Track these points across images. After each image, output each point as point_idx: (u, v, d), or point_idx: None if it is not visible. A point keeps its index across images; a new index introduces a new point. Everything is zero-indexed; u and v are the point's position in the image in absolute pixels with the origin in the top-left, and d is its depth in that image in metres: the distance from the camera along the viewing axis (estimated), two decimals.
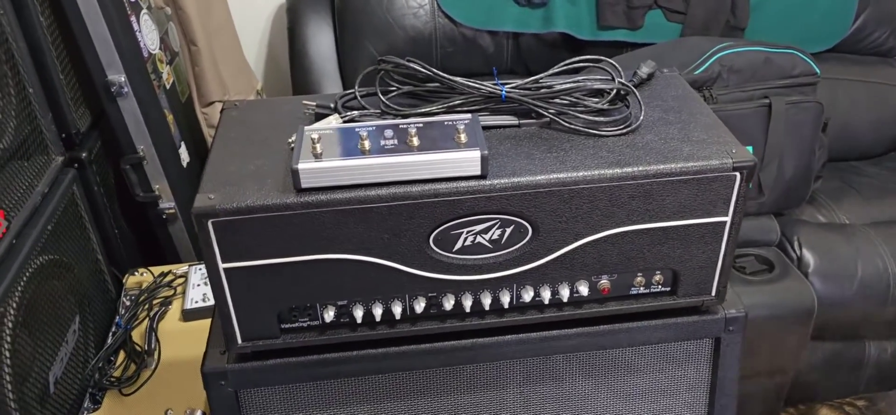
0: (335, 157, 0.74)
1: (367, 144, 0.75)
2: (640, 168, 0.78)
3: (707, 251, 0.84)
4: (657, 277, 0.87)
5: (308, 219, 0.75)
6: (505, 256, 0.81)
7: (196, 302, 1.43)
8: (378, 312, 0.82)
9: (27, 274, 1.15)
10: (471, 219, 0.78)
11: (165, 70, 1.69)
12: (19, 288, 1.13)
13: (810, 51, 1.72)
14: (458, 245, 0.79)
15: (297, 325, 0.83)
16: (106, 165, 1.58)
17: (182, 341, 1.38)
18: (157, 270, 1.53)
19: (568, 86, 0.84)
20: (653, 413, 0.96)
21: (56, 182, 1.31)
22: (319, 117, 0.87)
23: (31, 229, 1.19)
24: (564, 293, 0.84)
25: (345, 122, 0.85)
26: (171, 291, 1.48)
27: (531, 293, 0.84)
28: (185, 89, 1.85)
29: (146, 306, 1.45)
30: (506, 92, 0.84)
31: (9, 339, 1.08)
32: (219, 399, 0.86)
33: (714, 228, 0.83)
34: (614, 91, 0.85)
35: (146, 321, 1.41)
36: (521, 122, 0.86)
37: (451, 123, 0.80)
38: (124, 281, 1.52)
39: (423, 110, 0.84)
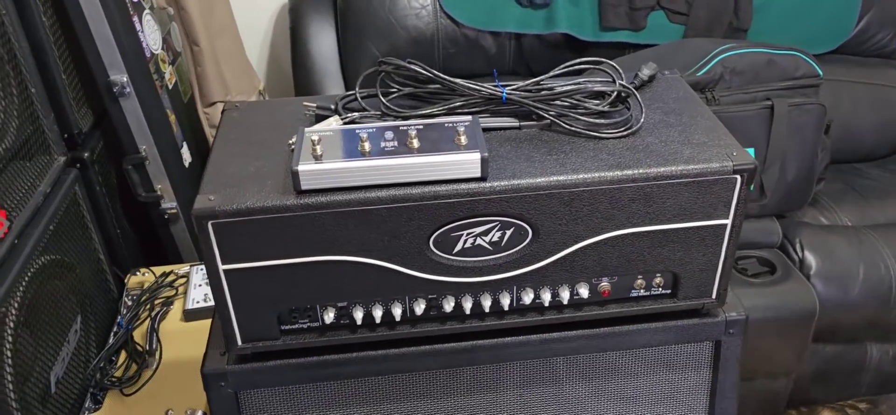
0: (335, 159, 0.74)
1: (367, 145, 0.75)
2: (641, 171, 0.78)
3: (707, 254, 0.84)
4: (657, 280, 0.86)
5: (308, 221, 0.75)
6: (505, 259, 0.81)
7: (197, 302, 1.43)
8: (378, 313, 0.82)
9: (29, 274, 1.15)
10: (471, 221, 0.78)
11: (168, 70, 1.69)
12: (21, 288, 1.13)
13: (813, 52, 1.72)
14: (459, 247, 0.79)
15: (297, 326, 0.83)
16: (108, 165, 1.58)
17: (183, 341, 1.38)
18: (158, 270, 1.54)
19: (569, 88, 0.84)
20: None
21: (58, 182, 1.31)
22: (320, 119, 0.87)
23: (33, 229, 1.19)
24: (565, 296, 0.84)
25: (345, 123, 0.85)
26: (173, 292, 1.49)
27: (531, 295, 0.84)
28: (187, 89, 1.85)
29: (148, 306, 1.45)
30: (506, 94, 0.84)
31: (10, 339, 1.09)
32: (218, 400, 0.86)
33: (714, 231, 0.83)
34: (615, 93, 0.84)
35: (148, 321, 1.42)
36: (522, 124, 0.86)
37: (451, 124, 0.80)
38: (126, 281, 1.52)
39: (423, 112, 0.84)
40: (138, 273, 1.53)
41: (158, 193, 1.60)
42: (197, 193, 0.75)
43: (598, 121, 0.84)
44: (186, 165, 1.69)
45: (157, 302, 1.46)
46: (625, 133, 0.84)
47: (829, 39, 1.96)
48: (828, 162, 1.74)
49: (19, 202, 1.18)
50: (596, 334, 0.89)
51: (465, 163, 0.75)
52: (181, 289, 1.49)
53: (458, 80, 0.85)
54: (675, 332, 0.90)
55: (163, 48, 1.68)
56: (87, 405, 1.29)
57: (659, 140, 0.83)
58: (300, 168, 0.73)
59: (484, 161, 0.75)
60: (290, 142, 0.82)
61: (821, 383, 1.71)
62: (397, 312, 0.83)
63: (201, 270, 1.50)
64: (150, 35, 1.61)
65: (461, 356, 0.88)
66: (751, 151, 1.58)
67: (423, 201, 0.75)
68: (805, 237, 1.62)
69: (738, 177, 0.79)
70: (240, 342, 0.83)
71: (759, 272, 1.56)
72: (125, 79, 1.46)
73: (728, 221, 0.82)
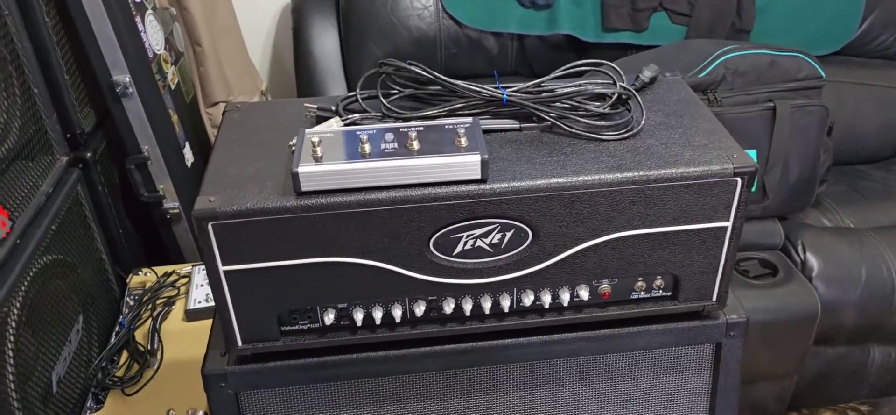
0: (335, 160, 0.74)
1: (367, 147, 0.75)
2: (641, 173, 0.78)
3: (708, 256, 0.84)
4: (658, 282, 0.86)
5: (308, 222, 0.75)
6: (505, 260, 0.81)
7: (199, 302, 1.43)
8: (378, 315, 0.82)
9: (31, 274, 1.16)
10: (471, 223, 0.78)
11: (170, 70, 1.70)
12: (23, 287, 1.13)
13: (816, 54, 1.71)
14: (459, 249, 0.79)
15: (297, 327, 0.83)
16: (110, 165, 1.58)
17: (185, 341, 1.38)
18: (160, 270, 1.54)
19: (569, 90, 0.84)
20: None
21: (60, 182, 1.32)
22: (321, 120, 0.87)
23: (36, 229, 1.20)
24: (565, 297, 0.84)
25: (346, 125, 0.85)
26: (175, 292, 1.49)
27: (531, 297, 0.84)
28: (189, 90, 1.85)
29: (149, 306, 1.46)
30: (507, 95, 0.84)
31: (12, 338, 1.09)
32: (219, 401, 0.86)
33: (715, 234, 0.83)
34: (616, 95, 0.84)
35: (149, 321, 1.42)
36: (523, 125, 0.86)
37: (451, 126, 0.80)
38: (128, 281, 1.52)
39: (424, 113, 0.85)
40: (140, 273, 1.53)
41: (160, 193, 1.60)
42: (198, 193, 0.75)
43: (598, 123, 0.84)
44: (188, 165, 1.70)
45: (158, 302, 1.46)
46: (625, 135, 0.83)
47: (832, 41, 1.96)
48: (830, 164, 1.74)
49: (22, 202, 1.19)
50: (596, 336, 0.89)
51: (465, 165, 0.75)
52: (183, 289, 1.49)
53: (458, 82, 0.85)
54: (676, 334, 0.90)
55: (165, 48, 1.68)
56: (88, 405, 1.29)
57: (659, 142, 0.82)
58: (300, 170, 0.73)
59: (484, 163, 0.75)
60: (291, 143, 0.82)
61: (822, 386, 1.71)
62: (397, 313, 0.83)
63: (203, 270, 1.50)
64: (153, 35, 1.61)
65: (461, 358, 0.88)
66: (753, 152, 1.57)
67: (423, 203, 0.75)
68: (807, 239, 1.62)
69: (739, 179, 0.79)
70: (240, 343, 0.83)
71: (760, 274, 1.56)
72: (128, 79, 1.46)
73: (728, 224, 0.82)
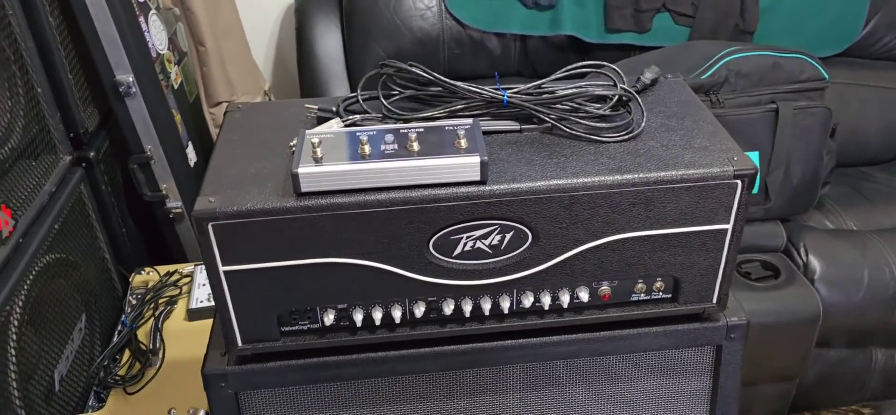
0: (335, 161, 0.74)
1: (367, 148, 0.75)
2: (641, 175, 0.78)
3: (708, 259, 0.84)
4: (658, 284, 0.86)
5: (308, 223, 0.75)
6: (505, 262, 0.81)
7: (201, 302, 1.44)
8: (378, 316, 0.83)
9: (34, 272, 1.16)
10: (470, 224, 0.78)
11: (173, 70, 1.70)
12: (26, 286, 1.14)
13: (820, 55, 1.71)
14: (458, 250, 0.79)
15: (297, 328, 0.84)
16: (114, 165, 1.59)
17: (187, 340, 1.39)
18: (163, 269, 1.54)
19: (570, 91, 0.84)
20: None
21: (63, 181, 1.32)
22: (321, 121, 0.88)
23: (39, 228, 1.20)
24: (565, 299, 0.84)
25: (346, 125, 0.85)
26: (177, 291, 1.49)
27: (531, 299, 0.84)
28: (192, 89, 1.86)
29: (152, 305, 1.46)
30: (507, 97, 0.84)
31: (14, 337, 1.09)
32: (219, 401, 0.86)
33: (715, 236, 0.82)
34: (616, 97, 0.84)
35: (151, 320, 1.42)
36: (523, 127, 0.86)
37: (451, 127, 0.80)
38: (130, 280, 1.53)
39: (424, 114, 0.85)
40: (143, 272, 1.54)
41: (163, 192, 1.61)
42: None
43: (599, 125, 0.84)
44: (191, 164, 1.70)
45: (161, 301, 1.47)
46: (626, 137, 0.83)
47: (836, 42, 1.95)
48: (833, 166, 1.73)
49: (25, 201, 1.19)
50: (596, 338, 0.89)
51: (464, 166, 0.75)
52: (185, 288, 1.50)
53: (459, 83, 0.85)
54: (676, 336, 0.90)
55: (169, 48, 1.69)
56: (90, 403, 1.30)
57: (660, 144, 0.82)
58: (300, 170, 0.73)
59: (483, 165, 0.75)
60: (291, 144, 0.82)
61: (824, 388, 1.71)
62: (397, 314, 0.83)
63: (205, 269, 1.50)
64: (156, 35, 1.62)
65: (461, 359, 0.88)
66: (755, 154, 1.57)
67: (422, 204, 0.75)
68: (809, 241, 1.61)
69: (739, 182, 0.79)
70: (240, 343, 0.83)
71: (762, 276, 1.55)
72: (131, 79, 1.47)
73: (729, 226, 0.82)
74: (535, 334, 0.87)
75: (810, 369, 1.65)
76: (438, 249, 0.79)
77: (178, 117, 1.66)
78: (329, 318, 0.82)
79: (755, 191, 1.60)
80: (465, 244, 0.79)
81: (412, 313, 0.83)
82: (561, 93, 0.84)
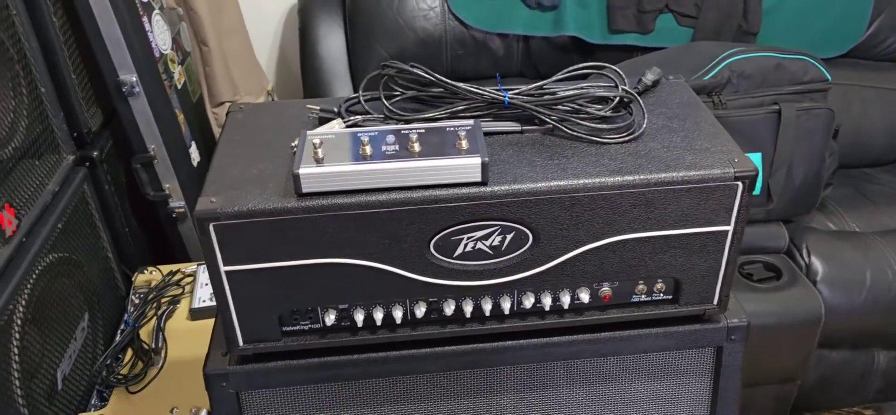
0: (337, 162, 0.75)
1: (368, 149, 0.76)
2: (642, 176, 0.78)
3: (709, 260, 0.84)
4: (659, 286, 0.86)
5: (309, 223, 0.75)
6: (505, 263, 0.81)
7: (204, 301, 1.44)
8: (379, 316, 0.83)
9: (37, 271, 1.17)
10: (471, 225, 0.78)
11: (177, 70, 1.71)
12: (29, 285, 1.14)
13: (824, 56, 1.71)
14: (459, 251, 0.80)
15: (298, 328, 0.84)
16: (117, 164, 1.59)
17: (189, 339, 1.39)
18: (165, 268, 1.55)
19: (571, 93, 0.84)
20: None
21: (67, 181, 1.33)
22: (323, 121, 0.88)
23: (42, 227, 1.21)
24: (565, 300, 0.84)
25: (348, 126, 0.85)
26: (180, 290, 1.50)
27: (532, 300, 0.84)
28: (196, 89, 1.86)
29: (154, 305, 1.46)
30: (509, 98, 0.84)
31: (17, 336, 1.10)
32: (220, 400, 0.86)
33: (716, 238, 0.82)
34: (617, 98, 0.84)
35: (154, 320, 1.43)
36: (524, 128, 0.86)
37: (452, 129, 0.80)
38: (133, 279, 1.53)
39: (426, 115, 0.85)
40: (146, 271, 1.54)
41: (166, 192, 1.61)
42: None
43: (600, 126, 0.84)
44: (195, 164, 1.70)
45: (163, 300, 1.47)
46: (627, 138, 0.83)
47: (840, 43, 1.95)
48: (836, 167, 1.73)
49: (28, 200, 1.20)
50: (597, 339, 0.89)
51: (465, 167, 0.75)
52: (188, 288, 1.50)
53: (460, 84, 0.85)
54: (677, 338, 0.90)
55: (172, 48, 1.69)
56: (93, 402, 1.30)
57: (661, 146, 0.82)
58: (301, 171, 0.74)
59: (484, 166, 0.75)
60: (293, 144, 0.83)
61: (826, 390, 1.70)
62: (398, 314, 0.83)
63: None
64: (160, 35, 1.62)
65: (461, 359, 0.88)
66: (758, 155, 1.57)
67: (423, 205, 0.76)
68: (812, 243, 1.61)
69: (740, 184, 0.79)
70: (241, 343, 0.83)
71: (764, 277, 1.55)
72: (134, 78, 1.47)
73: (729, 228, 0.82)
74: (536, 335, 0.88)
75: (812, 371, 1.65)
76: (439, 249, 0.79)
77: (181, 117, 1.66)
78: (330, 318, 0.82)
79: (757, 192, 1.60)
80: (465, 245, 0.79)
81: (413, 314, 0.84)
82: (562, 94, 0.84)
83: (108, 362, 1.34)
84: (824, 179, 1.65)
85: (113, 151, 1.57)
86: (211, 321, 1.38)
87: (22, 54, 1.23)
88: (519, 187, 0.76)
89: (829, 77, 1.64)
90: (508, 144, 0.84)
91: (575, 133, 0.84)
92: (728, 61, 1.59)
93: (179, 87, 1.70)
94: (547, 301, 0.84)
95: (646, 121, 0.85)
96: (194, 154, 1.71)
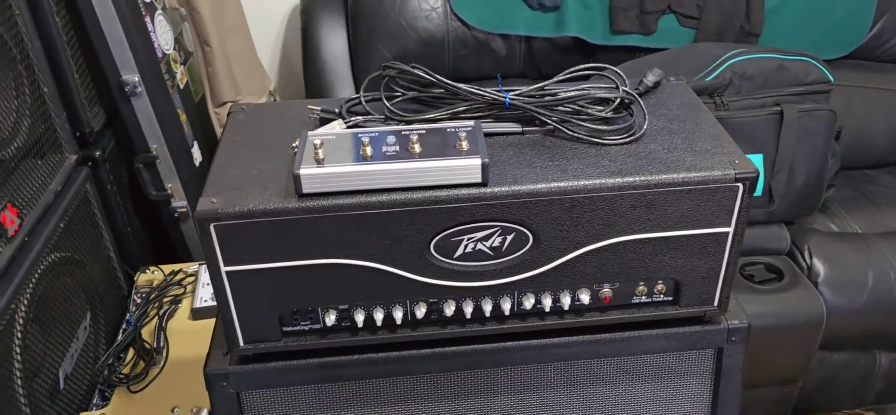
0: (337, 162, 0.75)
1: (368, 150, 0.76)
2: (642, 178, 0.78)
3: (709, 262, 0.84)
4: (659, 287, 0.86)
5: (309, 224, 0.75)
6: (505, 264, 0.81)
7: (205, 301, 1.44)
8: (379, 316, 0.83)
9: (39, 271, 1.17)
10: (471, 226, 0.78)
11: (179, 70, 1.71)
12: (31, 284, 1.15)
13: (826, 57, 1.71)
14: (459, 252, 0.80)
15: (298, 328, 0.84)
16: (119, 164, 1.60)
17: (190, 339, 1.39)
18: (167, 268, 1.55)
19: (572, 94, 0.84)
20: None
21: (69, 180, 1.33)
22: (324, 122, 0.88)
23: (44, 227, 1.21)
24: (565, 301, 0.84)
25: (348, 127, 0.85)
26: (181, 290, 1.50)
27: (532, 301, 0.84)
28: (198, 89, 1.87)
29: (156, 304, 1.47)
30: (510, 99, 0.84)
31: (20, 335, 1.10)
32: (220, 400, 0.86)
33: (716, 239, 0.82)
34: (618, 100, 0.84)
35: (156, 319, 1.43)
36: (525, 129, 0.86)
37: (453, 130, 0.80)
38: (135, 279, 1.53)
39: (427, 116, 0.85)
40: (148, 271, 1.55)
41: (169, 191, 1.62)
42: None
43: (600, 127, 0.84)
44: (197, 164, 1.71)
45: (165, 300, 1.48)
46: (627, 139, 0.83)
47: (842, 44, 1.95)
48: (838, 168, 1.73)
49: (30, 200, 1.20)
50: (597, 340, 0.89)
51: (465, 168, 0.75)
52: (189, 287, 1.50)
53: (461, 85, 0.85)
54: (677, 339, 0.90)
55: (174, 48, 1.70)
56: (94, 402, 1.30)
57: (661, 147, 0.82)
58: (302, 171, 0.74)
59: (484, 167, 0.75)
60: (294, 145, 0.83)
61: (827, 392, 1.70)
62: (398, 315, 0.83)
63: None
64: (162, 35, 1.62)
65: (462, 360, 0.88)
66: (759, 156, 1.57)
67: (423, 206, 0.76)
68: (813, 244, 1.61)
69: (741, 185, 0.79)
70: (242, 343, 0.84)
71: (766, 279, 1.55)
72: (137, 78, 1.48)
73: (730, 229, 0.82)
74: (536, 336, 0.88)
75: (813, 373, 1.65)
76: (439, 250, 0.79)
77: (183, 117, 1.67)
78: (330, 318, 0.83)
79: (759, 193, 1.60)
80: (466, 246, 0.79)
81: (413, 314, 0.84)
82: (563, 95, 0.84)
83: (110, 362, 1.35)
84: (826, 180, 1.65)
85: (115, 151, 1.58)
86: (212, 321, 1.38)
87: (25, 54, 1.24)
88: (519, 188, 0.76)
89: (831, 78, 1.63)
90: (509, 145, 0.84)
91: (575, 134, 0.84)
92: (730, 62, 1.59)
93: (182, 87, 1.71)
94: (547, 302, 0.84)
95: (646, 122, 0.85)
96: (196, 154, 1.72)
